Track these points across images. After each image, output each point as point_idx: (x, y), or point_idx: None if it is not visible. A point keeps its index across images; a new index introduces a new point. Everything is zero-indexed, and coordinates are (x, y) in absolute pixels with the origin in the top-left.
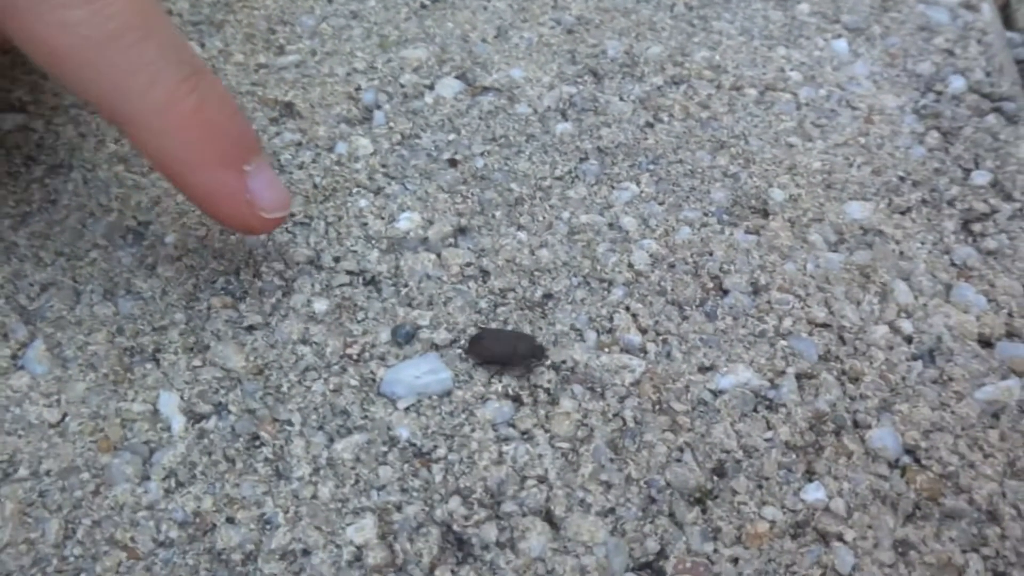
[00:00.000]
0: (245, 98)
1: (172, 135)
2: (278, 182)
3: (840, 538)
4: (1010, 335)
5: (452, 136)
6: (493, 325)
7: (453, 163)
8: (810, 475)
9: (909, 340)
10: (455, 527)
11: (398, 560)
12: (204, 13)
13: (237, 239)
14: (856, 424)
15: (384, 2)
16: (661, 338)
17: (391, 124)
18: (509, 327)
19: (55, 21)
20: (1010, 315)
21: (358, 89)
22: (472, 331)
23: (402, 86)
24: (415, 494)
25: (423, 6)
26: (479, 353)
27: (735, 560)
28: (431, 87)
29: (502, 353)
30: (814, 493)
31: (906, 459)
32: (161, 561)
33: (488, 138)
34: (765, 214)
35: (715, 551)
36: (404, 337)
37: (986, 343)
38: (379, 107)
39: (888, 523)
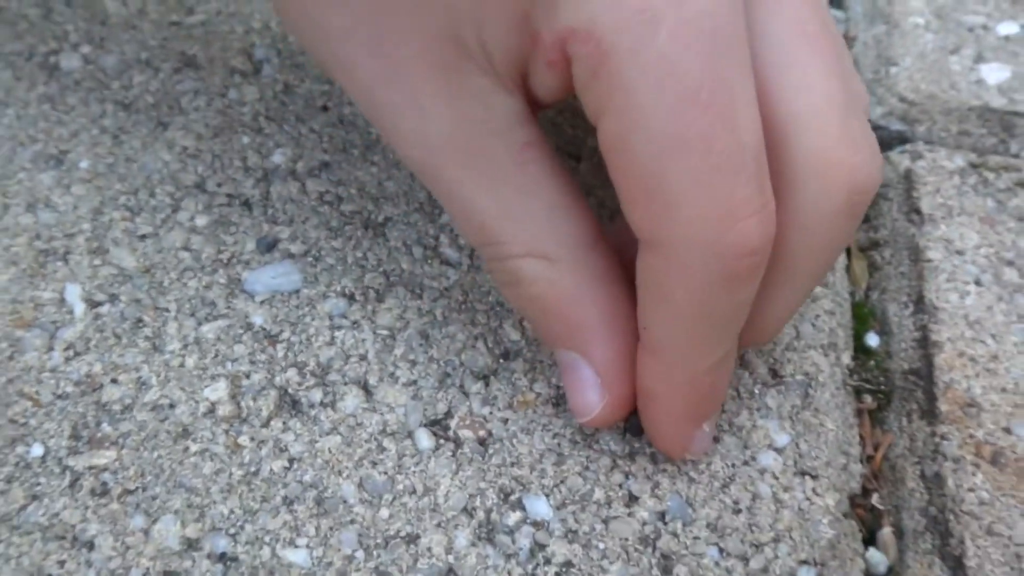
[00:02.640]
0: (154, 51)
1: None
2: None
3: None
4: None
5: (327, 87)
6: (339, 240)
7: (325, 109)
8: None
9: None
10: (290, 391)
11: (243, 414)
12: None
13: (139, 166)
14: None
15: None
16: (476, 255)
17: (277, 76)
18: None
19: None
20: None
21: (252, 46)
22: (323, 244)
23: (290, 44)
24: (261, 366)
25: None
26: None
27: (505, 420)
28: None
29: None
30: None
31: None
32: (58, 409)
33: None
34: (578, 159)
35: (490, 413)
36: (266, 247)
37: None
38: (268, 61)
39: None
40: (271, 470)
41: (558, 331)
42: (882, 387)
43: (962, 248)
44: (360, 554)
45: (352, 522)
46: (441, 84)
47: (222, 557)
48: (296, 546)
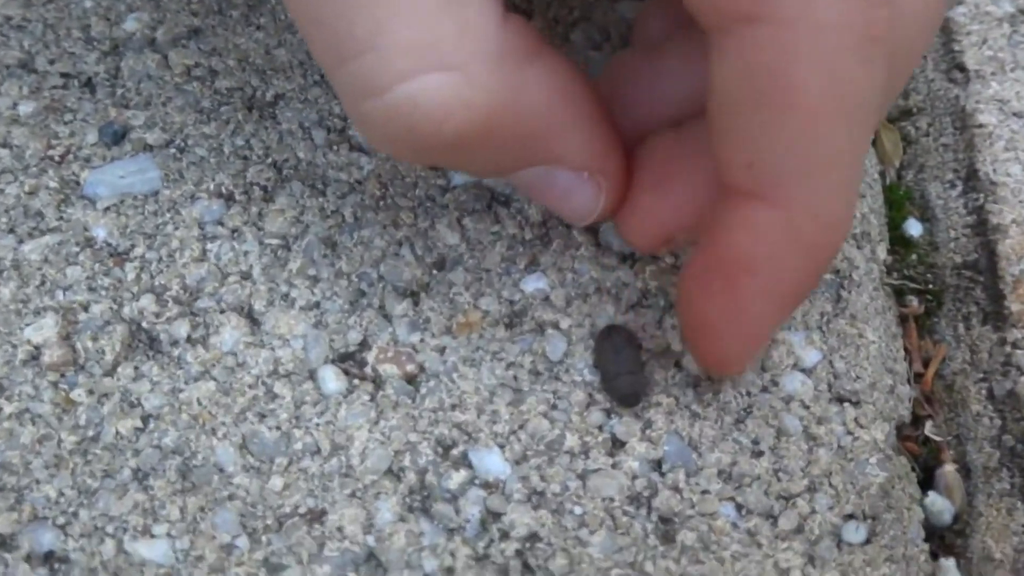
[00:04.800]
0: None
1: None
2: None
3: (556, 326)
4: None
5: None
6: (213, 124)
7: None
8: (534, 267)
9: None
10: (144, 324)
11: (79, 359)
12: None
13: None
14: None
15: None
16: None
17: None
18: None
19: None
20: None
21: None
22: (191, 131)
23: None
24: (104, 293)
25: None
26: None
27: (442, 349)
28: None
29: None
30: (535, 284)
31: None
32: None
33: None
34: (528, 15)
35: (421, 340)
36: (113, 137)
37: None
38: None
39: (608, 311)
40: (117, 433)
41: (507, 159)
42: (930, 286)
43: (1020, 109)
44: (243, 541)
45: (231, 498)
46: None
47: (48, 557)
48: (153, 535)
